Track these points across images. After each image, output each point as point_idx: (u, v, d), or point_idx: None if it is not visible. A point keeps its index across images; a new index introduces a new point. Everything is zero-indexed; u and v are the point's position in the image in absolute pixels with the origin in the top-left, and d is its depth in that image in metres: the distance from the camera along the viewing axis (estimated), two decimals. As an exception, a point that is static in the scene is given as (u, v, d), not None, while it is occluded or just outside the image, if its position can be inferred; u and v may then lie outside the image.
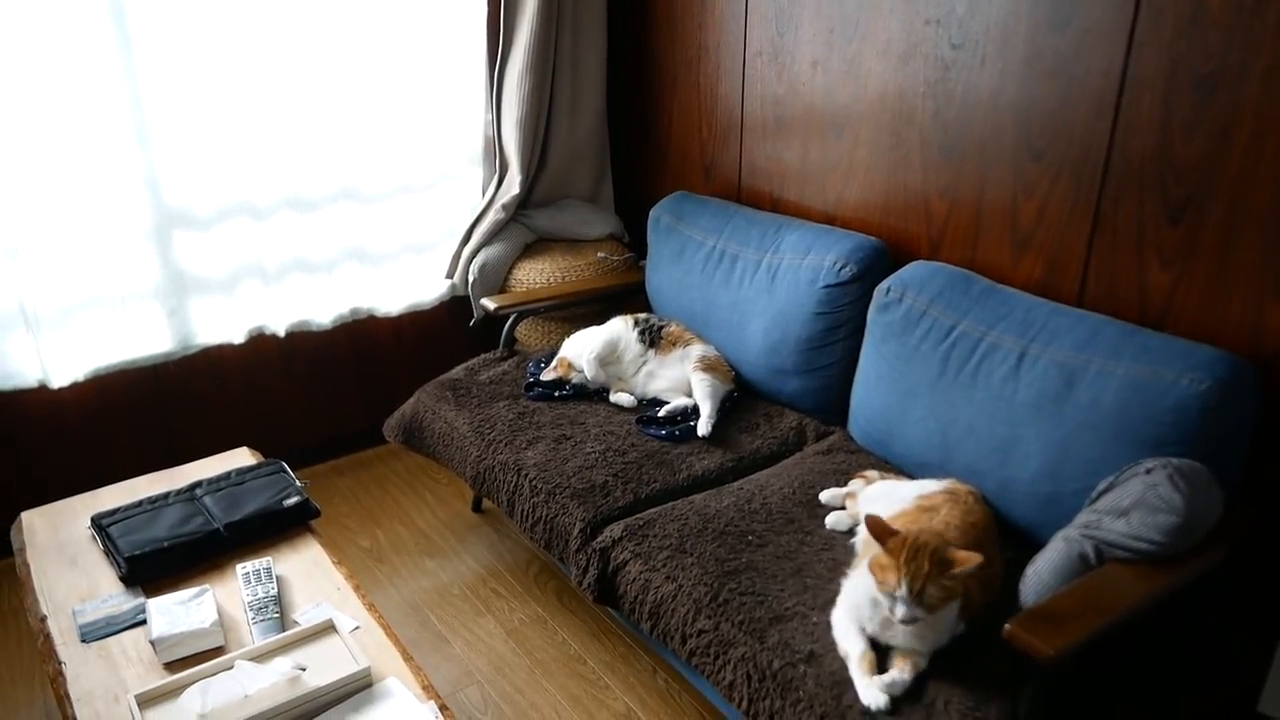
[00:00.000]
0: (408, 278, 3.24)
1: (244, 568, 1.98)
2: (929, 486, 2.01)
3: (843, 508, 2.13)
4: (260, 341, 3.05)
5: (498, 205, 3.17)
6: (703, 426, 2.42)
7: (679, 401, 2.56)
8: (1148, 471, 1.70)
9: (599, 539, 2.09)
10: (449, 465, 2.57)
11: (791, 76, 2.71)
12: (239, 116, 2.76)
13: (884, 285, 2.34)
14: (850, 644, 1.65)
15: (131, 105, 2.59)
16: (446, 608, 2.62)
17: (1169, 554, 1.64)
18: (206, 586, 1.91)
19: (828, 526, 2.07)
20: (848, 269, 2.43)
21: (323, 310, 3.10)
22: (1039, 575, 1.70)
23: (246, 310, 2.97)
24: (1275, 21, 1.72)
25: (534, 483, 2.27)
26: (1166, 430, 1.76)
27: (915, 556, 1.56)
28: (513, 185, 3.16)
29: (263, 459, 2.44)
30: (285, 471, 2.35)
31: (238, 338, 2.98)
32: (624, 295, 3.14)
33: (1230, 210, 1.85)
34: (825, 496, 2.17)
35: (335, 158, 2.97)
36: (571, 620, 2.56)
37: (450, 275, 3.26)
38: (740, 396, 2.61)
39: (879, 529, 1.62)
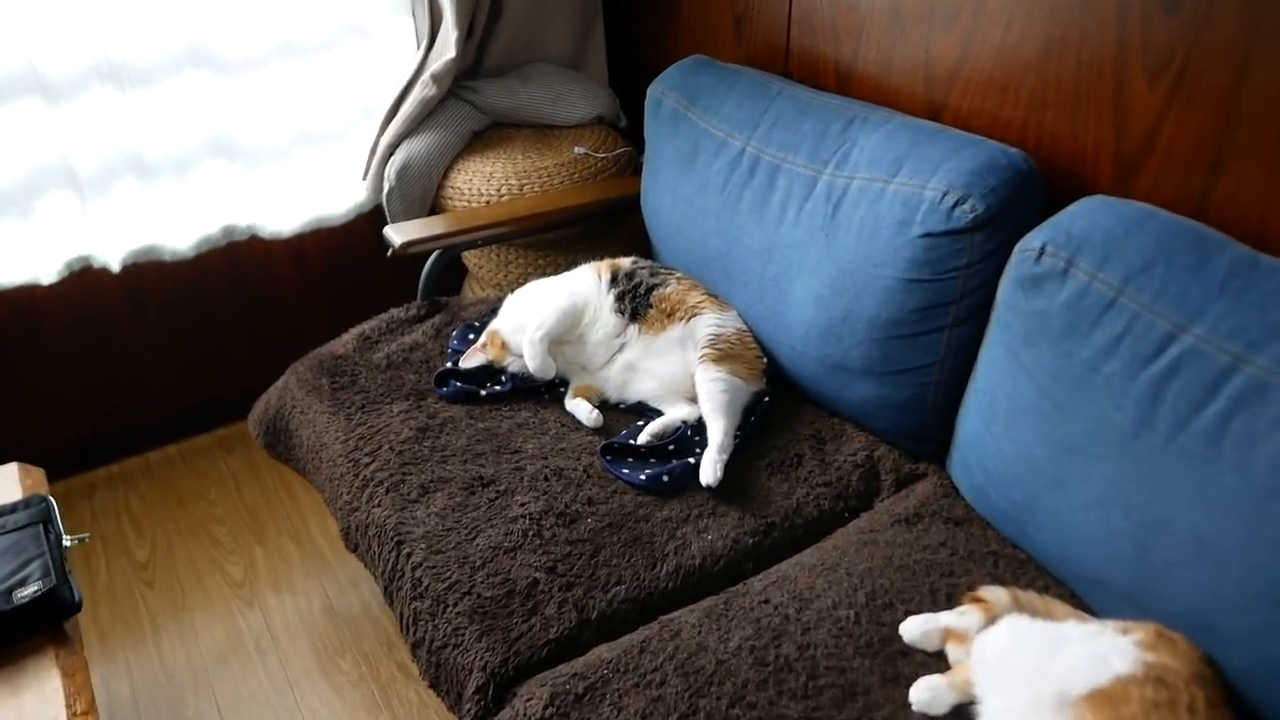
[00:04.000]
0: (303, 182, 2.25)
1: None
2: (1109, 642, 1.08)
3: (941, 652, 1.20)
4: (87, 279, 2.13)
5: (426, 75, 2.13)
6: (709, 467, 1.47)
7: (672, 415, 1.60)
8: None
9: (508, 708, 1.19)
10: (321, 494, 1.67)
11: None
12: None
13: (1033, 240, 1.32)
14: None
15: None
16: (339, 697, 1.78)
17: None
18: None
19: (917, 708, 1.14)
20: (966, 205, 1.40)
21: (178, 232, 2.15)
22: None
23: (56, 235, 2.03)
24: None
25: (418, 574, 1.36)
26: None
27: None
28: (448, 44, 2.11)
29: (31, 491, 1.56)
30: (50, 520, 1.48)
31: (48, 275, 2.05)
32: (616, 215, 2.13)
33: None
34: (912, 630, 1.23)
35: (174, 2, 1.95)
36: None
37: (366, 178, 2.27)
38: (774, 400, 1.64)
39: None
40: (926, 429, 1.55)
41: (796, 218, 1.64)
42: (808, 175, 1.64)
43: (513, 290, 1.81)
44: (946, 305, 1.45)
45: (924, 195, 1.45)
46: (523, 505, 1.42)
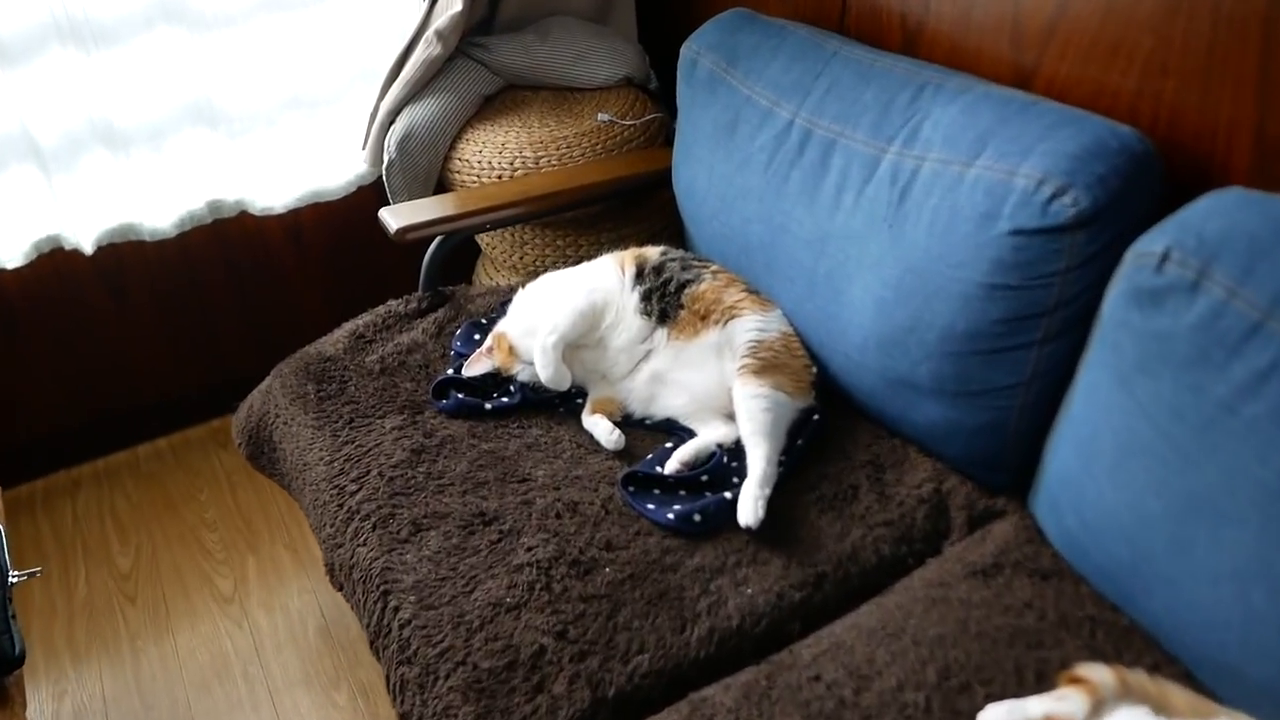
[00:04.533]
0: (296, 153, 2.03)
1: None
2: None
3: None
4: (59, 262, 1.93)
5: (431, 32, 1.88)
6: (749, 505, 1.24)
7: (705, 438, 1.38)
8: None
9: (506, 814, 1.00)
10: (306, 519, 1.48)
11: None
12: None
13: (1152, 243, 1.07)
14: None
15: None
16: (323, 732, 1.61)
17: None
18: None
19: (1007, 834, 0.93)
20: (1067, 198, 1.14)
21: (157, 209, 1.94)
22: None
23: (19, 215, 1.83)
24: None
25: (406, 633, 1.16)
26: None
27: None
28: (454, -3, 1.86)
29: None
30: (-3, 552, 1.30)
31: (13, 258, 1.86)
32: (645, 192, 1.89)
33: None
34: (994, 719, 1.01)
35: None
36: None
37: (365, 147, 2.04)
38: (824, 419, 1.41)
39: None
40: (1005, 458, 1.31)
41: (855, 204, 1.39)
42: (869, 154, 1.38)
43: (524, 282, 1.59)
44: (1037, 317, 1.20)
45: (1013, 183, 1.19)
46: (530, 550, 1.21)
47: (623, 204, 1.91)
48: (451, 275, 1.83)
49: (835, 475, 1.35)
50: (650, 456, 1.37)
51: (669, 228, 2.01)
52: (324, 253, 2.20)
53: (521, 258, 2.00)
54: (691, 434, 1.40)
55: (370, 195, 2.13)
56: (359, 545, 1.28)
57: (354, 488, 1.34)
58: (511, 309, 1.54)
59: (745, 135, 1.57)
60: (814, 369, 1.44)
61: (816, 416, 1.40)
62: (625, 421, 1.44)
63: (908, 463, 1.37)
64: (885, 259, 1.34)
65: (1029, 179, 1.18)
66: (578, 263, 1.94)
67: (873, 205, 1.36)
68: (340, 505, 1.33)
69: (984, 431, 1.30)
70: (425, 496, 1.31)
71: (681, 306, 1.45)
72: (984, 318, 1.23)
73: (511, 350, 1.47)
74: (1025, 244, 1.18)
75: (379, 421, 1.44)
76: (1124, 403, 1.10)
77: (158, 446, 2.21)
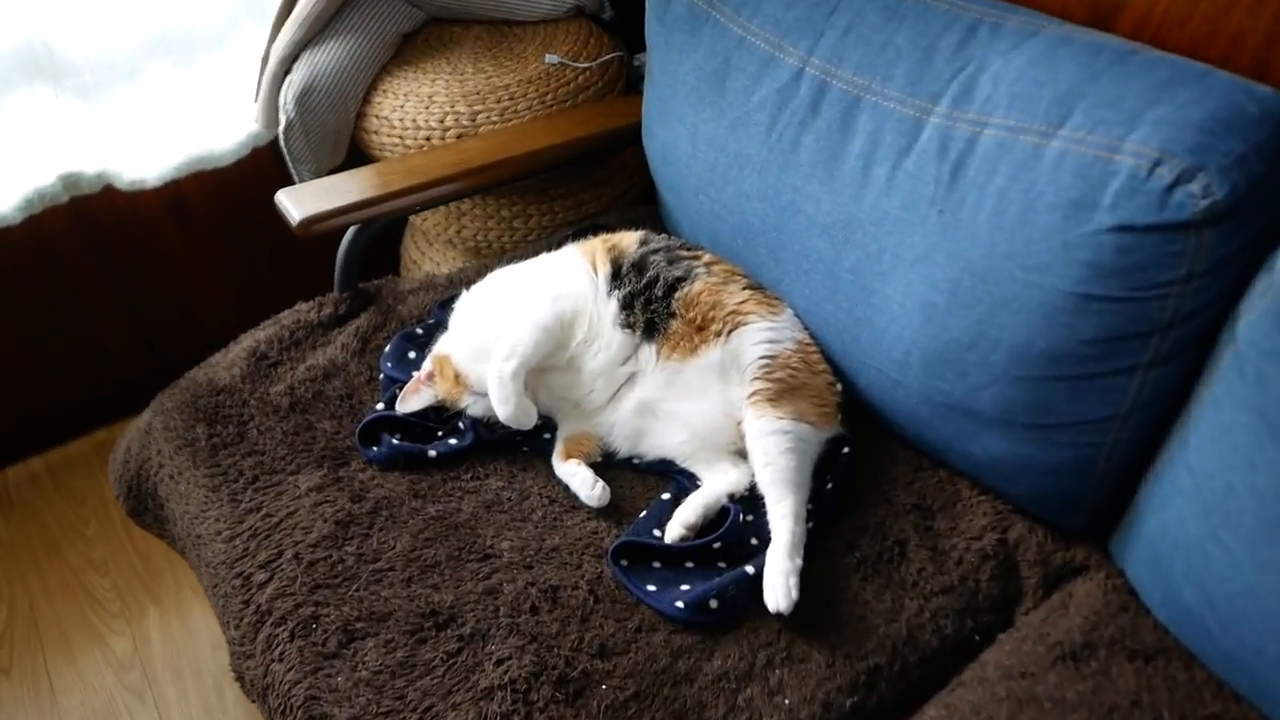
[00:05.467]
0: (167, 110, 1.64)
1: None
2: None
3: None
4: None
5: (329, -45, 1.50)
6: (779, 583, 0.97)
7: (713, 487, 1.09)
8: None
9: None
10: (208, 599, 1.17)
11: None
12: None
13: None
14: None
15: None
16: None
17: None
18: None
19: None
20: (1195, 184, 0.87)
21: (-7, 188, 1.54)
22: None
23: None
24: None
25: (343, 796, 0.87)
26: None
27: None
28: (357, -92, 1.47)
29: None
30: None
31: None
32: (607, 151, 1.55)
33: None
34: None
35: None
36: None
37: (257, 100, 1.66)
38: (853, 450, 1.13)
39: None
40: (1085, 500, 1.06)
41: (890, 181, 1.09)
42: (906, 116, 1.08)
43: (466, 276, 1.27)
44: (1144, 336, 0.94)
45: (1116, 163, 0.91)
46: (500, 665, 0.93)
47: (581, 164, 1.58)
48: (373, 261, 1.49)
49: (876, 526, 1.08)
50: (644, 515, 1.08)
51: (633, 190, 1.69)
52: (216, 230, 1.83)
53: (459, 232, 1.66)
54: (691, 477, 1.12)
55: (269, 159, 1.75)
56: (274, 660, 0.97)
57: (263, 576, 1.03)
58: (455, 321, 1.22)
59: (739, 88, 1.24)
60: (839, 386, 1.16)
61: (846, 449, 1.12)
62: (608, 461, 1.15)
63: (960, 504, 1.11)
64: (934, 254, 1.05)
65: (1139, 158, 0.89)
66: (528, 239, 1.64)
67: (914, 184, 1.07)
68: (247, 601, 1.02)
69: (1063, 471, 1.04)
70: (358, 589, 1.00)
71: (673, 315, 1.14)
72: (1071, 336, 0.96)
73: (458, 378, 1.16)
74: (1133, 244, 0.90)
75: (291, 480, 1.12)
76: (1273, 455, 0.84)
77: (31, 468, 1.85)
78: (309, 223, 1.27)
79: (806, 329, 1.19)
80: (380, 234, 1.40)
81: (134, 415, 1.52)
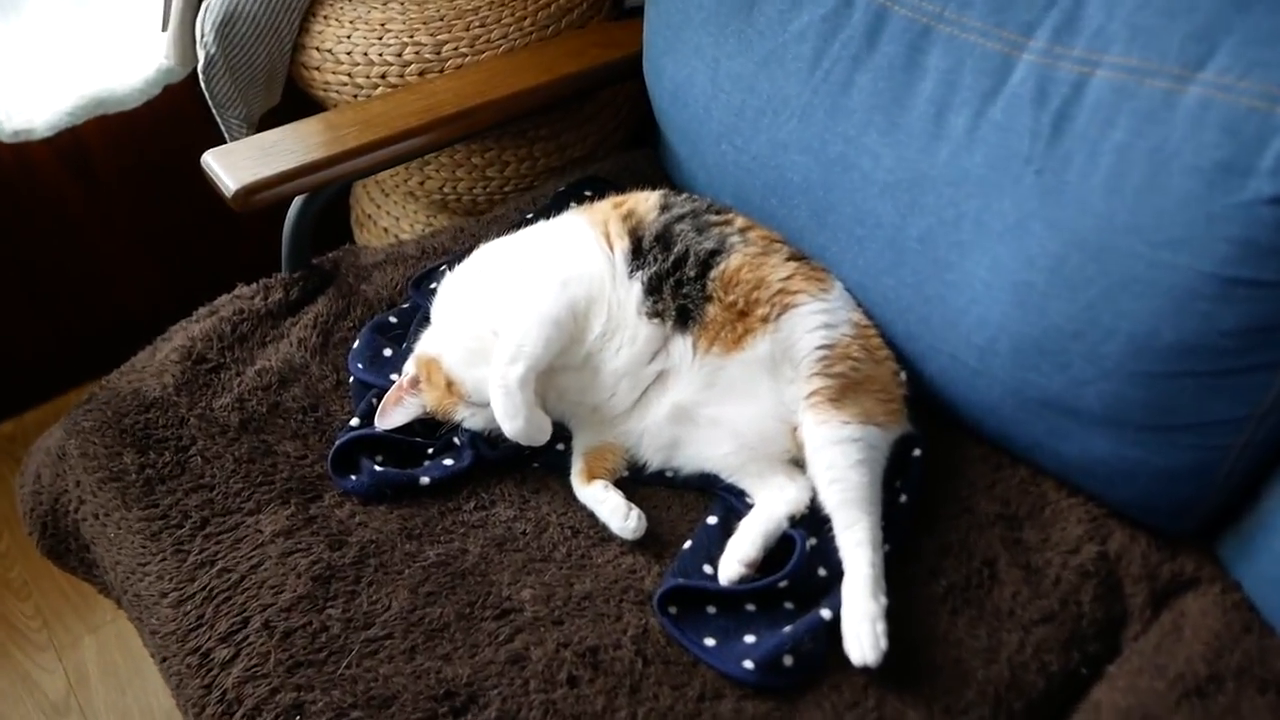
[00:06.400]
0: (54, 42, 1.35)
1: None
2: None
3: None
4: None
5: None
6: (864, 630, 0.81)
7: (770, 509, 0.91)
8: None
9: None
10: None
11: None
12: None
13: None
14: None
15: None
16: None
17: None
18: None
19: None
20: (1387, 141, 0.69)
21: None
22: None
23: None
24: None
25: None
26: None
27: None
28: None
29: None
30: None
31: None
32: (596, 91, 1.32)
33: None
34: None
35: None
36: None
37: (167, 30, 1.37)
38: (926, 451, 0.97)
39: None
40: (1199, 506, 0.92)
41: (971, 132, 0.90)
42: (991, 51, 0.89)
43: (448, 249, 1.05)
44: (1302, 327, 0.78)
45: (1277, 115, 0.73)
46: (540, 761, 0.76)
47: (569, 102, 1.34)
48: (326, 228, 1.25)
49: (959, 544, 0.92)
50: (689, 546, 0.90)
51: (622, 128, 1.47)
52: (128, 187, 1.55)
53: (421, 183, 1.42)
54: (740, 494, 0.94)
55: (188, 99, 1.46)
56: (248, 763, 0.78)
57: (226, 653, 0.83)
58: (439, 312, 1.00)
59: (773, 14, 1.03)
60: (903, 376, 0.99)
61: (917, 451, 0.96)
62: (635, 475, 0.97)
63: (1049, 509, 0.96)
64: (1030, 223, 0.87)
65: (1316, 109, 0.72)
66: (504, 190, 1.41)
67: (1004, 136, 0.88)
68: (209, 687, 0.82)
69: (1178, 476, 0.89)
70: (349, 666, 0.81)
71: (709, 298, 0.95)
72: (1209, 326, 0.80)
73: (450, 385, 0.95)
74: (1294, 218, 0.74)
75: (251, 522, 0.91)
76: None
77: (-75, 472, 1.60)
78: (247, 193, 1.02)
79: (860, 306, 1.01)
80: (330, 208, 1.16)
81: (42, 404, 1.29)
